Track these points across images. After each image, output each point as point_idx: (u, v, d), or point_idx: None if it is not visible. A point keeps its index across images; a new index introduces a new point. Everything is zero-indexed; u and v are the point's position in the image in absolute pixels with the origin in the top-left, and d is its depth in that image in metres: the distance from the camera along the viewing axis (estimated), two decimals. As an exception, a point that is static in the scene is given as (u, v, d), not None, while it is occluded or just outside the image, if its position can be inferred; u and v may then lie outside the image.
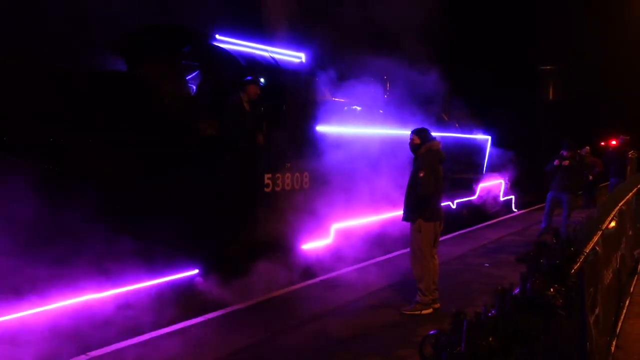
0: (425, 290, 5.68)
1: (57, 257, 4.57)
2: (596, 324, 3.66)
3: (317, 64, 8.02)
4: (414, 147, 5.89)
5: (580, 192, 11.78)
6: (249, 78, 6.41)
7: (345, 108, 9.23)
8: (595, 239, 3.66)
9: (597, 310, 3.72)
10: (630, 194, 7.16)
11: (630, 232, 6.93)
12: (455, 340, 1.58)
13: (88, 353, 4.52)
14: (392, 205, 9.04)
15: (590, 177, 11.64)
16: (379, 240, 8.76)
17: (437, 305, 5.73)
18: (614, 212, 5.13)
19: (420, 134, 5.89)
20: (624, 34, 24.05)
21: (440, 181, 5.79)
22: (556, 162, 9.46)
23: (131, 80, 6.01)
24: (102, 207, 4.89)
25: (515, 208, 14.63)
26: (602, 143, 19.21)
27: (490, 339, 1.61)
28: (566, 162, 9.38)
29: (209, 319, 5.45)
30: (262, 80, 6.59)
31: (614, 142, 13.02)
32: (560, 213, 9.85)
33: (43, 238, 4.48)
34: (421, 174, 5.61)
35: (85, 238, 4.77)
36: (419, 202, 5.66)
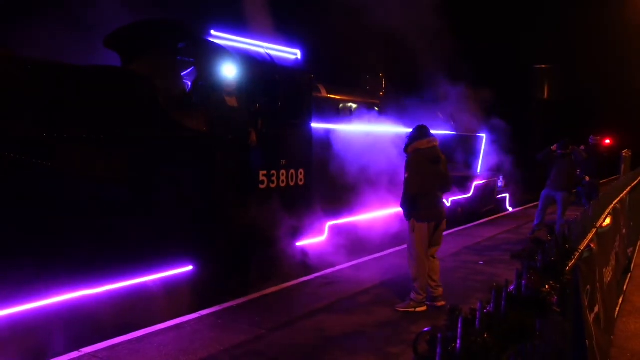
0: (419, 288, 5.67)
1: (49, 253, 4.55)
2: (597, 323, 3.66)
3: (313, 60, 8.00)
4: (404, 147, 5.86)
5: (574, 191, 11.82)
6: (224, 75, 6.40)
7: (341, 105, 9.22)
8: (590, 236, 3.66)
9: (596, 309, 3.72)
10: (624, 192, 7.18)
11: (624, 231, 6.96)
12: (450, 336, 1.57)
13: (81, 349, 4.50)
14: (387, 202, 9.06)
15: (587, 178, 11.66)
16: (373, 238, 8.77)
17: (441, 303, 5.70)
18: (608, 210, 5.14)
19: (411, 133, 5.85)
20: (617, 34, 24.15)
21: (431, 181, 5.67)
22: (554, 148, 9.45)
23: (125, 75, 5.97)
24: (94, 203, 4.87)
25: (509, 206, 14.67)
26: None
27: (486, 335, 1.60)
28: (571, 148, 9.43)
29: (203, 315, 5.44)
30: (235, 71, 6.49)
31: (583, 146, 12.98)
32: (554, 211, 9.88)
33: (34, 234, 4.46)
34: (406, 174, 5.64)
35: (77, 234, 4.75)
36: (406, 202, 5.66)
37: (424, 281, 5.68)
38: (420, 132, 5.80)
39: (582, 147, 12.61)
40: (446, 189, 5.90)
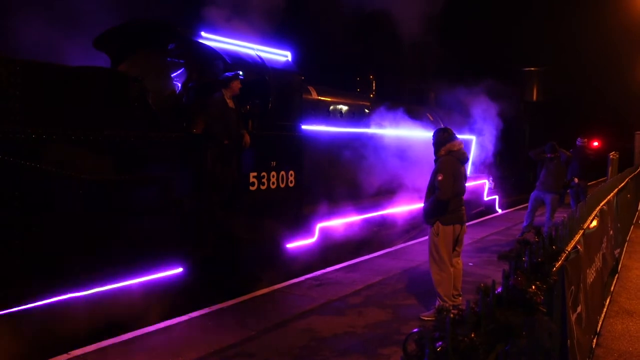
0: (444, 296, 5.44)
1: (38, 255, 4.52)
2: (578, 322, 3.71)
3: (304, 62, 8.02)
4: (434, 148, 5.69)
5: (567, 191, 11.95)
6: (230, 74, 6.37)
7: (331, 107, 9.24)
8: (577, 237, 3.70)
9: (579, 309, 3.77)
10: (612, 194, 7.26)
11: (611, 232, 7.03)
12: (438, 336, 1.59)
13: (70, 352, 4.48)
14: (377, 204, 9.09)
15: (576, 180, 11.78)
16: (363, 239, 8.79)
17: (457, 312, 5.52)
18: (595, 212, 5.19)
19: (436, 135, 5.68)
20: (609, 36, 24.40)
21: (461, 183, 5.55)
22: (549, 155, 9.55)
23: (114, 76, 5.95)
24: (82, 205, 4.85)
25: (498, 208, 14.77)
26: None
27: (473, 335, 1.62)
28: (559, 151, 9.56)
29: (193, 318, 5.43)
30: (241, 74, 6.51)
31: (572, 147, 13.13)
32: (542, 213, 9.96)
33: (23, 236, 4.43)
34: (439, 177, 5.37)
35: (66, 236, 4.73)
36: (437, 206, 5.43)
37: (449, 287, 5.46)
38: (450, 134, 5.66)
39: (571, 151, 12.75)
40: (465, 190, 5.72)
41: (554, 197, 9.53)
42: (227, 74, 6.39)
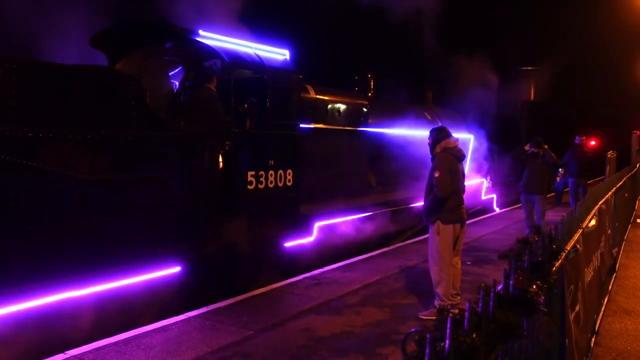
0: (443, 295, 5.40)
1: (34, 254, 4.49)
2: (576, 321, 3.70)
3: (302, 61, 7.99)
4: (430, 147, 5.69)
5: (551, 193, 11.94)
6: (206, 69, 6.47)
7: (329, 106, 9.22)
8: (576, 236, 3.70)
9: (577, 308, 3.77)
10: (610, 193, 7.26)
11: (609, 231, 7.03)
12: (438, 337, 1.57)
13: (67, 352, 4.45)
14: (375, 203, 9.08)
15: (558, 178, 11.77)
16: (361, 238, 8.78)
17: (456, 311, 5.49)
18: (593, 211, 5.19)
19: (432, 134, 5.67)
20: (608, 36, 24.44)
21: (459, 180, 5.53)
22: (527, 147, 9.44)
23: (111, 75, 5.92)
24: (80, 204, 4.82)
25: (496, 207, 14.77)
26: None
27: (474, 335, 1.61)
28: (544, 148, 9.42)
29: (191, 317, 5.41)
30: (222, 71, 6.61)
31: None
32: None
33: (18, 235, 4.40)
34: (436, 174, 5.35)
35: (62, 235, 4.70)
36: (436, 204, 5.40)
37: (448, 287, 5.42)
38: (445, 132, 5.66)
39: (569, 150, 12.77)
40: (464, 188, 5.69)
41: (541, 198, 9.35)
42: (206, 70, 6.47)
